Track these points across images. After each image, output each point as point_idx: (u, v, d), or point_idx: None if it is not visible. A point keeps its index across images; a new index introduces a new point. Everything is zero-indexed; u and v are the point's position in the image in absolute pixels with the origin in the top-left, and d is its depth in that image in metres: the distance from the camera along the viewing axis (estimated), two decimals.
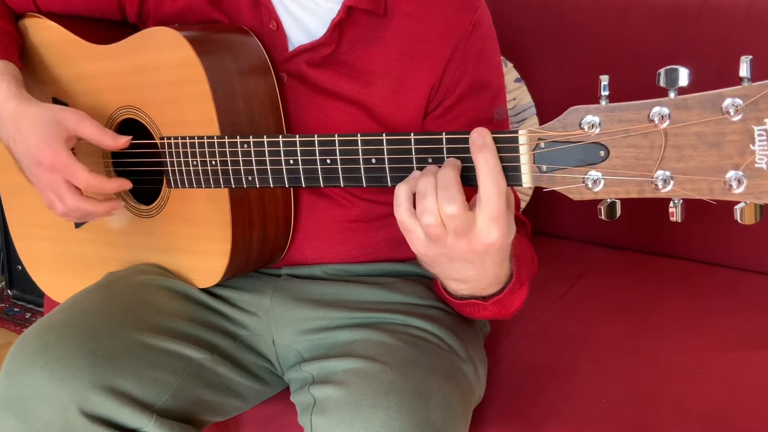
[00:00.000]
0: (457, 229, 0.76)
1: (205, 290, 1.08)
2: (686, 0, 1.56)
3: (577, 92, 1.62)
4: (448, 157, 0.78)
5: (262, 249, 1.05)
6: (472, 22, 1.04)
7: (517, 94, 1.64)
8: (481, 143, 0.74)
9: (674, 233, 1.32)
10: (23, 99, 1.04)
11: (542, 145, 0.71)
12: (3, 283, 2.50)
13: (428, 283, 1.12)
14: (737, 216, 0.65)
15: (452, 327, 1.05)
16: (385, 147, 0.81)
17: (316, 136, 0.85)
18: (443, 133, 0.77)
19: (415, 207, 0.78)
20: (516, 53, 1.61)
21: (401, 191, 0.78)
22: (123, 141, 1.02)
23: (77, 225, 1.18)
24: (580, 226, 1.61)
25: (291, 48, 1.06)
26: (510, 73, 1.64)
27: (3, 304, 2.45)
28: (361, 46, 1.04)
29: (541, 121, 1.66)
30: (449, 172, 0.75)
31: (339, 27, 1.03)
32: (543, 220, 1.30)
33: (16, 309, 2.42)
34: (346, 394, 0.90)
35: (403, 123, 1.05)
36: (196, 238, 1.05)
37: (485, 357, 1.12)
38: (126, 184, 1.04)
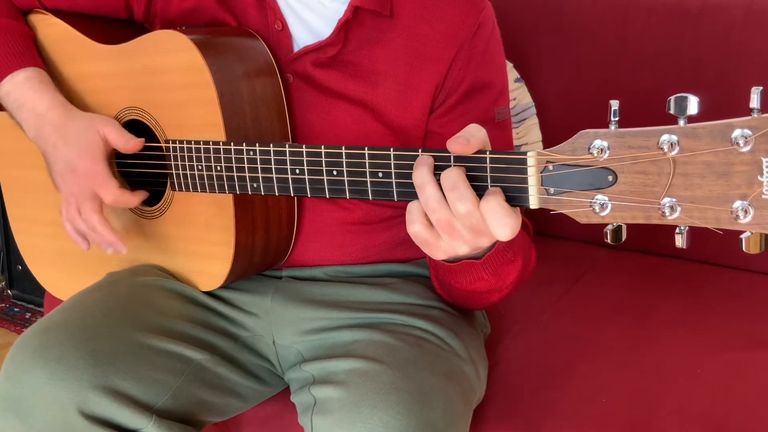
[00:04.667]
0: (473, 227, 0.76)
1: (206, 291, 1.08)
2: (686, 0, 1.56)
3: (577, 92, 1.64)
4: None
5: (264, 253, 1.05)
6: (476, 22, 1.04)
7: (517, 94, 1.64)
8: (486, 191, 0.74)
9: (674, 235, 1.32)
10: (67, 107, 1.06)
11: (550, 167, 0.72)
12: (3, 283, 2.50)
13: (429, 283, 1.12)
14: (742, 245, 0.65)
15: (453, 327, 1.05)
16: (392, 162, 0.81)
17: (323, 147, 0.85)
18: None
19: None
20: (516, 53, 1.61)
21: (414, 207, 0.78)
22: (134, 144, 1.03)
23: None
24: (581, 226, 1.61)
25: (296, 48, 1.06)
26: (510, 73, 1.64)
27: (3, 304, 2.45)
28: (367, 46, 1.04)
29: (541, 121, 1.66)
30: (453, 172, 0.75)
31: (345, 27, 1.03)
32: (543, 220, 1.29)
33: (16, 309, 2.42)
34: (347, 394, 0.90)
35: (408, 123, 1.05)
36: (198, 241, 1.05)
37: (486, 357, 1.12)
38: (143, 196, 1.06)
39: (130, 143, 1.03)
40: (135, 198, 1.05)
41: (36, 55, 1.11)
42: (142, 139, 1.04)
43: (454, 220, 0.76)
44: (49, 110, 1.05)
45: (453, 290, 0.99)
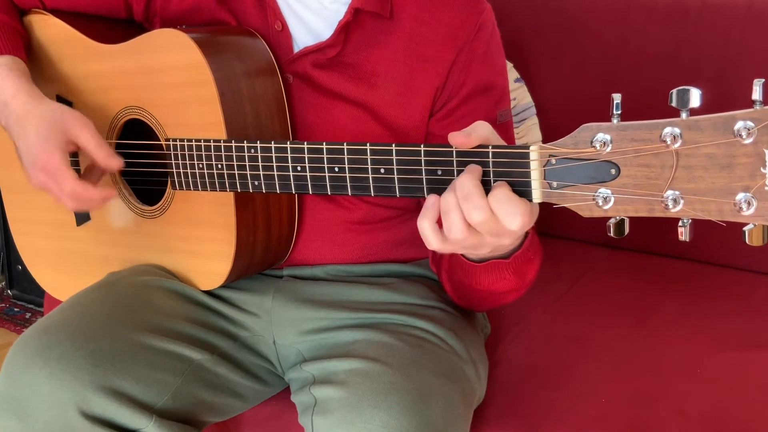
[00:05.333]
0: (492, 231, 0.76)
1: (206, 291, 1.08)
2: (686, 0, 1.56)
3: (577, 92, 1.64)
4: (455, 176, 0.77)
5: (265, 252, 1.05)
6: (476, 24, 1.04)
7: (517, 94, 1.64)
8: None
9: (675, 233, 1.32)
10: (33, 95, 1.03)
11: (553, 161, 0.72)
12: (3, 283, 2.50)
13: (429, 283, 1.12)
14: (745, 237, 0.65)
15: (453, 327, 1.05)
16: (394, 158, 0.81)
17: (324, 143, 0.85)
18: (453, 146, 0.77)
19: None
20: (516, 53, 1.61)
21: (425, 227, 0.77)
22: (115, 164, 1.01)
23: (78, 223, 1.18)
24: (581, 226, 1.61)
25: (296, 49, 1.06)
26: (510, 73, 1.64)
27: (3, 304, 2.45)
28: (367, 48, 1.04)
29: (541, 121, 1.66)
30: (466, 179, 0.75)
31: (345, 29, 1.03)
32: (544, 220, 1.29)
33: (16, 309, 2.42)
34: (348, 394, 0.90)
35: (408, 125, 1.05)
36: (199, 240, 1.05)
37: (486, 357, 1.12)
38: (111, 194, 1.03)
39: (110, 160, 1.00)
40: (97, 192, 1.01)
41: (18, 46, 1.09)
42: (121, 161, 1.01)
43: (480, 238, 0.76)
44: (13, 98, 1.03)
45: (471, 291, 0.98)
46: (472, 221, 0.75)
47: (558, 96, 1.65)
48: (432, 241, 0.78)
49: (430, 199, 0.78)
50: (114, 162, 1.01)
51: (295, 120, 1.05)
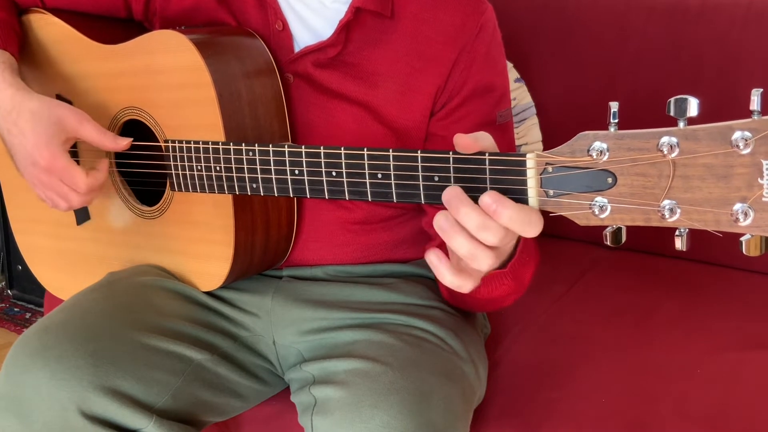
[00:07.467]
0: (507, 242, 0.74)
1: (206, 291, 1.08)
2: (686, 0, 1.56)
3: (577, 92, 1.64)
4: (452, 182, 0.76)
5: (264, 253, 1.05)
6: (478, 24, 1.04)
7: (517, 94, 1.64)
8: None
9: (674, 236, 1.32)
10: (19, 88, 1.02)
11: (550, 169, 0.71)
12: (3, 283, 2.50)
13: (429, 283, 1.12)
14: (742, 248, 0.65)
15: (453, 327, 1.05)
16: (391, 163, 0.80)
17: (322, 147, 0.85)
18: (450, 152, 0.77)
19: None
20: (516, 53, 1.61)
21: (442, 269, 0.75)
22: (124, 143, 1.02)
23: (79, 222, 1.18)
24: (581, 227, 1.61)
25: (297, 48, 1.06)
26: (510, 73, 1.64)
27: (3, 304, 2.45)
28: (368, 47, 1.04)
29: (541, 121, 1.66)
30: (470, 209, 0.72)
31: (346, 28, 1.03)
32: (544, 220, 1.29)
33: (16, 309, 2.42)
34: (347, 394, 0.90)
35: (408, 125, 1.05)
36: (198, 241, 1.05)
37: (486, 357, 1.12)
38: (105, 166, 1.04)
39: (117, 143, 1.00)
40: (102, 173, 1.03)
41: (9, 40, 1.08)
42: (128, 139, 1.02)
43: (498, 251, 0.75)
44: None
45: (470, 299, 0.98)
46: (488, 242, 0.72)
47: (558, 96, 1.65)
48: (443, 272, 0.75)
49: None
50: (122, 142, 1.02)
51: (296, 120, 1.05)
